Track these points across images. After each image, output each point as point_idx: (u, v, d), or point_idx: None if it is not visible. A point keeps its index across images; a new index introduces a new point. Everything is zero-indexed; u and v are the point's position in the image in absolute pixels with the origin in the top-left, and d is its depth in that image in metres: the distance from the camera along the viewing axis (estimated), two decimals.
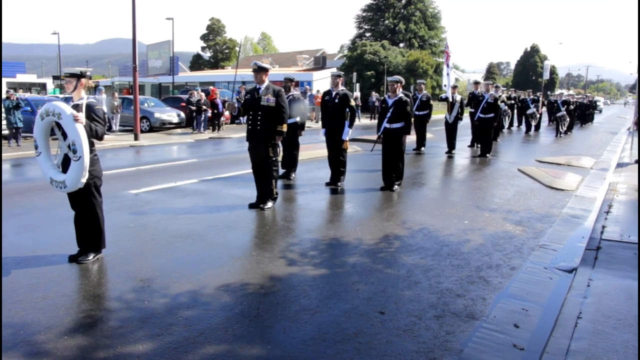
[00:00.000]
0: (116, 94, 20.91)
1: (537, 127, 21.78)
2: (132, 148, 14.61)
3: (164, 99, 25.11)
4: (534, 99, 21.76)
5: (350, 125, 8.07)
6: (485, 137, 12.72)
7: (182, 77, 37.83)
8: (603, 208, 7.21)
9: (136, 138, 16.05)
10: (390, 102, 8.07)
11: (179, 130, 19.62)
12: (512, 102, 21.69)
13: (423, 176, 9.99)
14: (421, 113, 13.14)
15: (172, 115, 20.13)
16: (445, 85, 13.59)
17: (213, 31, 68.04)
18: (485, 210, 7.02)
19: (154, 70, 40.49)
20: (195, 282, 4.21)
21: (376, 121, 11.28)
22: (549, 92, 22.85)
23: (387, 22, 43.02)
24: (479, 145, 15.07)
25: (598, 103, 51.16)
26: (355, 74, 32.86)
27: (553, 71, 67.63)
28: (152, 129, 19.36)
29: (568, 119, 19.99)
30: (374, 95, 29.28)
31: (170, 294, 3.96)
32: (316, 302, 3.85)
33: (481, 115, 12.65)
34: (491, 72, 74.56)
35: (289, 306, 3.78)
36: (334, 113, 8.15)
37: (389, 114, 7.97)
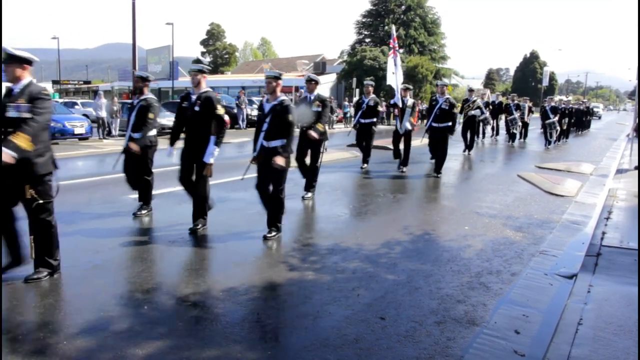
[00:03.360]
0: (116, 99, 20.94)
1: (524, 136, 19.89)
2: None
3: (163, 104, 25.12)
4: (517, 104, 19.26)
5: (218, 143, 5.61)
6: (440, 150, 10.42)
7: (181, 82, 37.79)
8: (603, 214, 7.21)
9: None
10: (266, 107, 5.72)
11: None
12: (491, 107, 19.41)
13: (423, 182, 9.99)
14: (366, 121, 10.70)
15: (171, 120, 20.07)
16: (393, 86, 11.43)
17: (213, 36, 68.28)
18: (485, 216, 7.02)
19: (153, 75, 40.42)
20: (195, 287, 4.20)
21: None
22: (546, 99, 20.47)
23: (386, 27, 43.09)
24: (469, 152, 14.60)
25: (597, 109, 51.27)
26: (355, 79, 32.92)
27: (552, 77, 67.92)
28: None
29: (558, 127, 18.30)
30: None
31: (170, 299, 3.95)
32: (317, 308, 3.84)
33: (434, 125, 10.46)
34: (490, 79, 74.79)
35: (290, 311, 3.77)
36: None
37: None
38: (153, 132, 6.59)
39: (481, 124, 17.67)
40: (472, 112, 15.03)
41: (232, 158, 13.02)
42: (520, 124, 19.04)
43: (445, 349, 3.29)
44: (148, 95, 6.63)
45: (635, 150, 14.51)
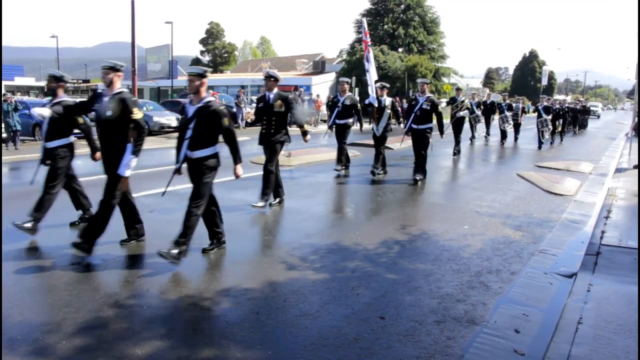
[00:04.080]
0: None
1: (516, 137, 18.82)
2: None
3: (162, 103, 25.12)
4: (509, 104, 18.59)
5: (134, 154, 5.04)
6: (420, 154, 9.42)
7: (181, 81, 37.77)
8: (602, 213, 7.21)
9: None
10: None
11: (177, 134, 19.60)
12: (482, 107, 18.16)
13: (422, 181, 9.98)
14: (342, 121, 9.89)
15: (170, 119, 20.11)
16: (369, 86, 10.13)
17: (212, 35, 68.16)
18: (484, 215, 7.02)
19: (152, 73, 40.54)
20: (195, 286, 4.20)
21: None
22: (541, 96, 19.18)
23: (386, 27, 43.11)
24: (456, 154, 13.63)
25: (595, 108, 51.18)
26: (354, 78, 32.90)
27: (551, 76, 67.87)
28: (150, 133, 19.29)
29: (550, 127, 17.31)
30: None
31: (169, 298, 3.94)
32: (316, 307, 3.84)
33: (414, 126, 9.31)
34: (490, 78, 74.75)
35: (289, 311, 3.77)
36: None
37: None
38: (66, 141, 5.73)
39: (472, 122, 16.95)
40: (461, 114, 13.96)
41: (228, 157, 13.02)
42: (511, 122, 18.17)
43: (445, 348, 3.29)
44: (63, 97, 5.72)
45: (635, 149, 14.53)
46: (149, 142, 16.54)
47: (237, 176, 4.96)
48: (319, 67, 43.28)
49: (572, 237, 6.08)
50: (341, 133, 10.05)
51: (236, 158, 4.95)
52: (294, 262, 4.85)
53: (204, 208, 4.83)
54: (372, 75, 10.03)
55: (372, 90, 9.84)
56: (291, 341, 3.32)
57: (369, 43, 10.44)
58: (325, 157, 11.84)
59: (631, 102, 61.82)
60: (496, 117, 18.90)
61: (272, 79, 6.86)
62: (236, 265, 4.78)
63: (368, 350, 3.22)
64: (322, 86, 37.71)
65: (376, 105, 9.67)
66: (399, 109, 10.93)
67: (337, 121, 9.95)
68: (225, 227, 6.01)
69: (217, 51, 67.74)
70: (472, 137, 17.59)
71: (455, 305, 3.95)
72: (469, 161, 13.46)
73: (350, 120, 10.02)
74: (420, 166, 9.45)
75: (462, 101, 14.29)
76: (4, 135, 14.11)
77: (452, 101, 14.91)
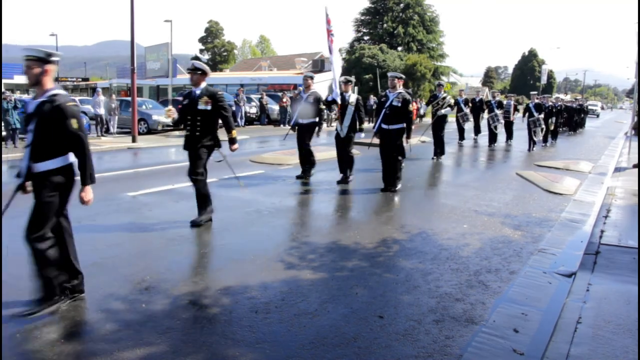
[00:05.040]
0: (114, 96, 20.90)
1: (509, 137, 17.73)
2: (130, 150, 14.57)
3: (162, 101, 25.10)
4: (499, 102, 17.34)
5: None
6: (391, 159, 8.24)
7: (180, 80, 37.70)
8: (601, 212, 7.21)
9: (134, 140, 16.00)
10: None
11: (177, 133, 19.56)
12: (471, 105, 17.68)
13: (421, 180, 9.99)
14: (306, 121, 8.95)
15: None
16: (332, 80, 9.07)
17: (211, 34, 68.12)
18: (483, 214, 7.01)
19: (152, 72, 40.47)
20: (193, 285, 4.19)
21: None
22: (532, 93, 17.91)
23: (385, 25, 43.03)
24: (438, 157, 12.58)
25: (595, 107, 51.07)
26: (353, 77, 32.90)
27: (551, 75, 67.95)
28: (150, 131, 19.33)
29: (543, 126, 16.11)
30: (372, 99, 29.31)
31: (168, 297, 3.93)
32: (315, 306, 3.83)
33: (384, 126, 8.12)
34: (489, 77, 74.77)
35: (288, 310, 3.76)
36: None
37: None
38: None
39: (460, 121, 16.31)
40: (443, 112, 12.74)
41: (228, 156, 13.02)
42: (502, 121, 17.12)
43: (444, 347, 3.28)
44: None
45: (634, 148, 14.53)
46: (149, 141, 16.54)
47: (82, 201, 3.67)
48: (319, 65, 43.20)
49: (571, 236, 6.07)
50: (304, 134, 8.99)
51: (85, 177, 3.64)
52: (292, 261, 4.84)
53: (51, 242, 3.60)
54: (336, 68, 9.02)
55: (335, 86, 8.79)
56: (290, 340, 3.31)
57: (332, 32, 9.03)
58: (322, 156, 11.81)
59: (630, 101, 61.83)
60: (486, 115, 17.83)
61: (199, 72, 5.81)
62: (234, 263, 4.77)
63: (367, 349, 3.22)
64: (321, 85, 37.69)
65: (339, 101, 8.61)
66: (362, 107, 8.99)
67: (300, 121, 8.97)
68: (224, 226, 6.01)
69: (216, 50, 67.70)
70: (461, 139, 16.62)
71: (454, 305, 3.94)
72: (467, 160, 13.46)
73: (316, 119, 8.99)
74: (392, 174, 8.26)
75: (444, 98, 12.97)
76: (4, 133, 14.12)
77: (432, 98, 13.39)
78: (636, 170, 10.89)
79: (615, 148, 18.11)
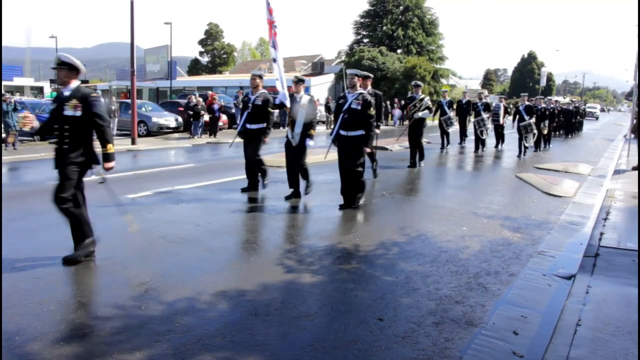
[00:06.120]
0: (114, 98, 20.89)
1: (501, 141, 16.35)
2: (129, 152, 14.57)
3: (161, 104, 25.12)
4: (486, 103, 15.47)
5: None
6: (351, 174, 7.09)
7: (180, 82, 37.84)
8: (601, 215, 7.21)
9: (133, 142, 16.01)
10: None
11: (176, 135, 19.60)
12: (455, 107, 16.58)
13: (420, 182, 9.99)
14: (254, 126, 7.85)
15: (169, 119, 20.13)
16: (277, 80, 7.61)
17: (211, 36, 68.22)
18: (483, 216, 7.01)
19: (151, 74, 40.52)
20: (192, 288, 4.18)
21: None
22: (522, 94, 16.32)
23: (385, 28, 43.11)
24: (419, 165, 11.54)
25: (594, 110, 51.06)
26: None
27: (550, 78, 68.07)
28: (149, 134, 19.33)
29: (535, 131, 14.87)
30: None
31: (167, 299, 3.93)
32: (314, 309, 3.83)
33: (342, 132, 7.02)
34: (488, 79, 74.90)
35: (287, 312, 3.75)
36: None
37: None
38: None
39: (444, 125, 15.02)
40: (420, 114, 11.50)
41: (227, 158, 13.01)
42: (489, 126, 15.50)
43: (444, 350, 3.28)
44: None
45: (633, 151, 14.54)
46: (148, 143, 16.54)
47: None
48: (318, 68, 43.29)
49: (570, 238, 6.07)
50: (252, 141, 7.94)
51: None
52: (291, 264, 4.84)
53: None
54: (280, 65, 7.65)
55: (281, 86, 7.55)
56: (289, 343, 3.30)
57: (275, 24, 7.56)
58: (319, 159, 11.79)
59: (629, 103, 61.91)
60: (472, 119, 16.25)
61: (66, 67, 4.63)
62: (233, 266, 4.77)
63: (366, 352, 3.21)
64: (321, 87, 37.74)
65: (288, 104, 7.53)
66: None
67: (248, 126, 7.89)
68: (222, 229, 6.01)
69: (216, 52, 67.79)
70: (444, 144, 15.20)
71: (454, 307, 3.94)
72: (467, 163, 13.46)
73: (265, 124, 7.88)
74: (351, 188, 7.15)
75: (422, 99, 11.63)
76: (4, 135, 14.11)
77: (409, 100, 12.03)
78: (635, 172, 10.90)
79: (614, 150, 18.13)
